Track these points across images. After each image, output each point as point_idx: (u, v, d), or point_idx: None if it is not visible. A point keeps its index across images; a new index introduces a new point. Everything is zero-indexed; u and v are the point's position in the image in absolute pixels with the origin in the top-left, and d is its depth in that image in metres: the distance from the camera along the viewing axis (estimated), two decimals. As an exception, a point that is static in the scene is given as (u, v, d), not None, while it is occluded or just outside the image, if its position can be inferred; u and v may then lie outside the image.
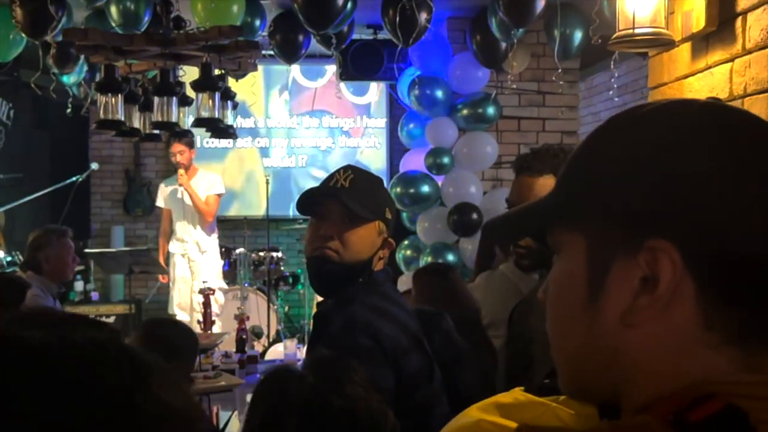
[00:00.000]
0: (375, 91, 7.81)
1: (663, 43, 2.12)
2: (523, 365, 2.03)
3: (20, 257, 5.27)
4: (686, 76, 2.17)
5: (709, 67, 2.05)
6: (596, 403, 0.65)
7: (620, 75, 4.93)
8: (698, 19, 2.01)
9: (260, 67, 4.90)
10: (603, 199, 0.61)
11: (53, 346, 0.50)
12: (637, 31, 2.04)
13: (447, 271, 3.34)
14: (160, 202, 6.11)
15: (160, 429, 0.51)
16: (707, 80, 2.04)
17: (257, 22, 4.32)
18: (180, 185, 5.79)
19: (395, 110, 7.78)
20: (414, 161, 5.09)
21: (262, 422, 1.14)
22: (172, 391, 0.53)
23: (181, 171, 5.72)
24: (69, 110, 5.17)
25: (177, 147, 5.63)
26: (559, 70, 3.52)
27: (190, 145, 5.76)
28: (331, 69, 7.57)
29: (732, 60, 1.96)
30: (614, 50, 2.32)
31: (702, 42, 2.08)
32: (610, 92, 5.05)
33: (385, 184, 2.03)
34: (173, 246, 5.97)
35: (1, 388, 0.48)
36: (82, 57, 4.69)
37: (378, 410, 1.17)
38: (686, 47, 2.16)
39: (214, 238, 6.05)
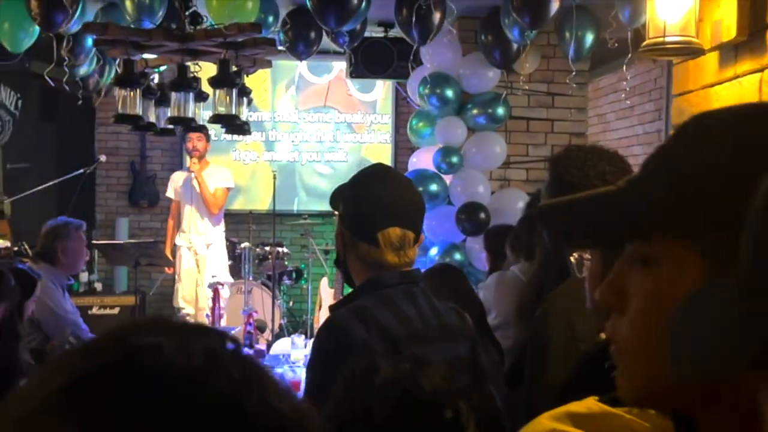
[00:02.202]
0: (381, 89, 7.83)
1: (692, 52, 2.14)
2: (541, 364, 2.05)
3: (26, 247, 5.27)
4: (712, 85, 2.19)
5: (738, 77, 2.06)
6: (669, 413, 0.66)
7: (629, 78, 4.95)
8: (728, 29, 2.02)
9: (270, 63, 4.91)
10: (727, 209, 0.56)
11: (169, 349, 0.51)
12: (667, 39, 2.06)
13: (451, 271, 3.38)
14: (170, 192, 6.10)
15: None
16: (735, 90, 2.06)
17: (270, 18, 4.33)
18: (191, 173, 5.80)
19: (401, 107, 7.81)
20: (422, 160, 5.11)
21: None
22: (283, 399, 0.53)
23: (194, 159, 5.73)
24: (80, 101, 5.19)
25: (196, 134, 5.62)
26: (573, 73, 3.54)
27: (208, 136, 5.77)
28: (338, 65, 7.59)
29: (762, 70, 1.97)
30: (644, 57, 2.34)
31: (731, 51, 2.10)
32: (622, 95, 5.06)
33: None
34: (179, 239, 5.98)
35: (121, 390, 0.49)
36: (93, 50, 4.71)
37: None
38: (713, 56, 2.18)
39: (221, 231, 6.06)
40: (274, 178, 6.54)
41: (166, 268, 6.23)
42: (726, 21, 2.04)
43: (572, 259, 1.65)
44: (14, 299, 3.09)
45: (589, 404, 0.73)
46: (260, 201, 7.69)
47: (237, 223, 7.17)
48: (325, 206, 7.43)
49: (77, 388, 0.49)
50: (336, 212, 1.96)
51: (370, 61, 5.13)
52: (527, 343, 2.25)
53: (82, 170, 5.96)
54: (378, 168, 2.09)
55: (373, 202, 1.83)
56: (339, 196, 1.94)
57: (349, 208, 1.88)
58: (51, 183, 5.86)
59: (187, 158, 6.08)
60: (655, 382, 0.63)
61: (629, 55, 3.83)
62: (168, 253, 6.00)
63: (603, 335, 1.82)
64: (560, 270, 2.34)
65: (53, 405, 0.49)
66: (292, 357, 4.12)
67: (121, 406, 0.48)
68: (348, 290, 1.96)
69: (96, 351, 0.52)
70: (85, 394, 0.49)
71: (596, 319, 1.77)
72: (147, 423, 0.48)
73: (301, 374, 3.63)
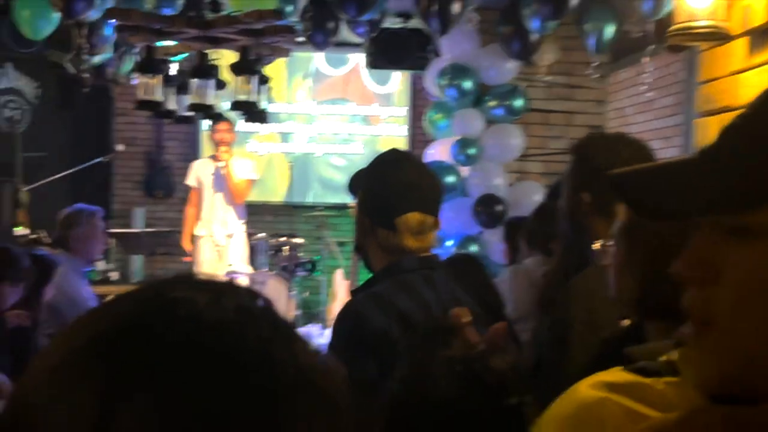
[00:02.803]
0: (397, 81, 7.81)
1: (721, 37, 2.12)
2: (561, 351, 2.05)
3: (43, 235, 5.30)
4: (742, 71, 2.16)
5: (768, 62, 2.04)
6: (751, 397, 0.62)
7: (648, 71, 4.91)
8: (758, 13, 2.00)
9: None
10: None
11: (202, 303, 0.50)
12: (696, 23, 2.04)
13: (471, 261, 3.36)
14: (191, 180, 6.09)
15: (304, 394, 0.50)
16: (765, 76, 2.03)
17: (290, 8, 4.32)
18: (221, 162, 5.79)
19: (417, 100, 7.78)
20: (440, 151, 5.10)
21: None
22: (312, 355, 0.53)
23: (224, 148, 5.72)
24: (86, 89, 5.18)
25: (224, 125, 5.61)
26: (596, 63, 3.51)
27: (233, 127, 5.77)
28: (355, 57, 7.58)
29: (793, 56, 1.94)
30: (672, 43, 2.31)
31: (760, 37, 2.07)
32: (641, 88, 5.02)
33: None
34: (199, 228, 5.98)
35: (150, 341, 0.48)
36: (112, 38, 4.72)
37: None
38: (742, 42, 2.16)
39: (242, 223, 6.08)
40: (290, 169, 6.54)
41: (183, 258, 6.24)
42: (755, 5, 2.01)
43: (596, 247, 1.63)
44: (29, 281, 3.10)
45: (619, 374, 0.72)
46: (275, 192, 7.69)
47: (252, 214, 7.16)
48: (340, 198, 7.50)
49: (105, 339, 0.49)
50: (354, 199, 1.95)
51: (389, 51, 5.11)
52: (549, 329, 2.24)
53: (99, 159, 5.98)
54: (395, 153, 2.09)
55: (392, 187, 1.82)
56: (357, 182, 1.94)
57: (367, 194, 1.87)
58: (68, 172, 5.89)
59: (205, 148, 6.09)
60: (759, 363, 0.60)
61: (651, 46, 3.80)
62: (186, 242, 6.01)
63: (624, 322, 1.81)
64: (580, 261, 2.33)
65: (79, 356, 0.49)
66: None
67: (148, 357, 0.48)
68: (363, 281, 1.96)
69: (127, 303, 0.52)
70: (112, 344, 0.48)
71: (616, 306, 1.77)
72: (175, 374, 0.47)
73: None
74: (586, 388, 0.71)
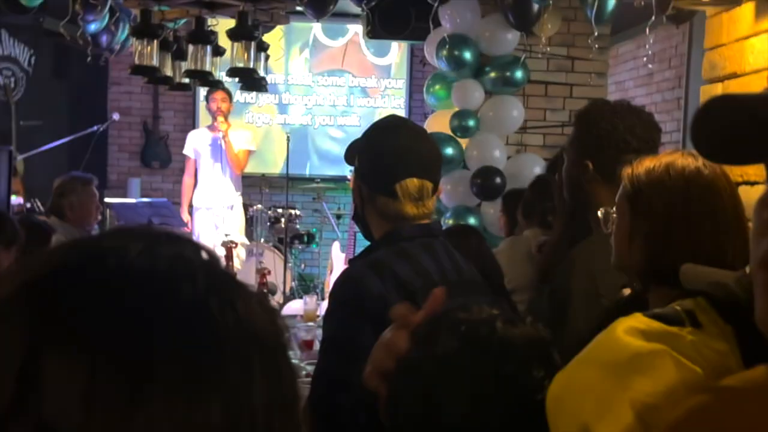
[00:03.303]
0: (396, 52, 7.76)
1: (729, 2, 2.08)
2: (560, 319, 2.04)
3: (38, 204, 5.28)
4: (747, 37, 2.13)
5: (774, 28, 2.00)
6: None
7: (649, 44, 4.87)
8: (767, -22, 1.97)
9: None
10: None
11: (134, 252, 0.50)
12: (704, -13, 2.00)
13: (470, 232, 3.35)
14: (188, 150, 6.06)
15: (240, 347, 0.49)
16: (772, 42, 2.01)
17: (288, -25, 4.27)
18: (219, 132, 5.76)
19: (415, 72, 7.74)
20: (438, 122, 5.05)
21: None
22: (257, 313, 0.52)
23: (221, 118, 5.69)
24: (89, 59, 5.13)
25: (220, 94, 5.57)
26: (596, 34, 3.47)
27: (231, 96, 5.73)
28: (353, 28, 7.51)
29: (801, 20, 1.90)
30: (680, 6, 2.28)
31: (767, 2, 2.03)
32: (641, 62, 4.99)
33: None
34: (197, 199, 5.96)
35: (75, 289, 0.47)
36: (108, 5, 4.65)
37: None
38: (749, 7, 2.13)
39: (240, 194, 6.07)
40: (288, 141, 6.51)
41: (181, 229, 6.21)
42: (764, -30, 1.98)
43: (599, 213, 1.62)
44: (21, 245, 3.07)
45: (644, 320, 0.71)
46: (273, 164, 7.66)
47: (249, 185, 7.14)
48: (338, 171, 7.48)
49: (31, 286, 0.48)
50: (350, 169, 1.93)
51: (388, 21, 5.05)
52: (548, 297, 2.24)
53: (95, 128, 5.93)
54: (392, 119, 2.06)
55: (390, 153, 1.79)
56: (354, 150, 1.91)
57: (365, 161, 1.85)
58: (64, 140, 5.84)
59: (202, 119, 6.05)
60: None
61: (652, 18, 3.76)
62: (184, 213, 5.99)
63: (626, 291, 1.80)
64: (582, 230, 2.32)
65: (4, 304, 0.47)
66: (304, 317, 4.11)
67: (73, 306, 0.46)
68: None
69: (57, 254, 0.51)
70: (38, 292, 0.47)
71: (618, 275, 1.75)
72: (100, 322, 0.46)
73: (316, 334, 3.62)
74: (625, 335, 0.70)
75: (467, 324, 0.98)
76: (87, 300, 0.47)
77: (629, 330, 0.71)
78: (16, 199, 5.34)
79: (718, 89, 2.22)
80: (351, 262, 1.87)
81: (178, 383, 0.46)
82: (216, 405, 0.46)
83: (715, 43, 2.29)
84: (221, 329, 0.48)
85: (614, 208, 1.57)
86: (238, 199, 6.05)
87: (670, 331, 0.69)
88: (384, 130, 1.86)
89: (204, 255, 0.53)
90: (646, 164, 1.43)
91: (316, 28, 7.61)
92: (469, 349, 0.94)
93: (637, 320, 0.72)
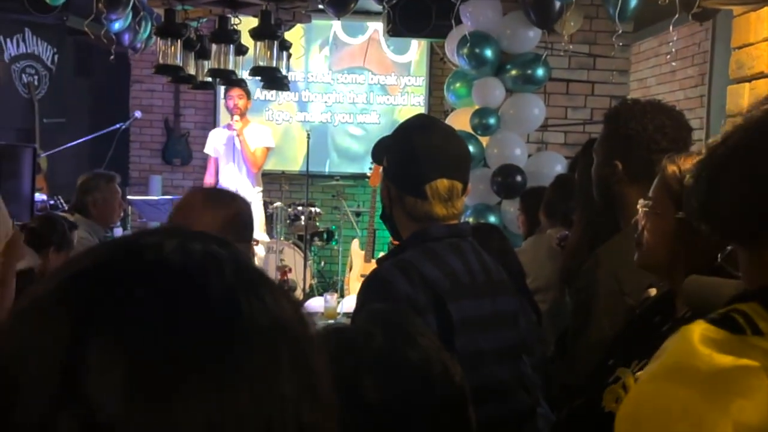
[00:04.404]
0: (416, 50, 7.75)
1: (757, 0, 2.06)
2: (587, 318, 2.03)
3: (62, 201, 5.32)
4: (777, 36, 2.11)
5: (804, 28, 1.98)
6: None
7: (671, 41, 4.83)
8: (797, -23, 1.94)
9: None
10: None
11: (168, 248, 0.52)
12: (733, -15, 1.98)
13: (492, 231, 3.33)
14: (209, 149, 6.10)
15: (268, 338, 0.51)
16: (802, 41, 1.98)
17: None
18: (234, 131, 5.79)
19: (435, 70, 7.73)
20: (458, 121, 5.05)
21: (336, 386, 1.05)
22: (284, 306, 0.54)
23: (236, 117, 5.72)
24: (112, 57, 5.17)
25: (236, 91, 5.59)
26: (620, 31, 3.45)
27: (248, 93, 5.75)
28: (373, 26, 7.52)
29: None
30: (707, 6, 2.26)
31: (796, 1, 2.01)
32: (663, 59, 4.95)
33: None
34: (217, 197, 5.99)
35: (114, 284, 0.50)
36: (131, 3, 4.68)
37: (449, 360, 1.14)
38: (777, 6, 2.11)
39: (258, 190, 6.08)
40: (308, 138, 6.52)
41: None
42: (794, -32, 1.95)
43: (639, 209, 1.59)
44: (69, 247, 3.12)
45: (709, 327, 0.69)
46: (292, 161, 7.68)
47: (269, 183, 7.17)
48: (357, 168, 7.49)
49: (71, 283, 0.50)
50: (370, 167, 1.93)
51: (409, 19, 5.05)
52: (573, 296, 2.23)
53: (118, 125, 5.98)
54: (422, 119, 2.05)
55: (419, 154, 1.78)
56: (382, 150, 1.90)
57: (394, 162, 1.84)
58: (86, 138, 5.89)
59: (223, 116, 6.08)
60: None
61: (676, 15, 3.73)
62: None
63: (652, 290, 1.79)
64: (607, 229, 2.30)
65: (45, 301, 0.50)
66: (325, 314, 4.13)
67: (112, 300, 0.49)
68: (379, 252, 1.94)
69: (99, 250, 0.54)
70: (78, 288, 0.50)
71: (644, 274, 1.74)
72: (139, 316, 0.48)
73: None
74: (705, 347, 0.68)
75: None
76: (124, 296, 0.49)
77: (706, 341, 0.68)
78: (40, 196, 5.40)
79: (745, 89, 2.20)
80: (379, 262, 1.87)
81: (210, 372, 0.48)
82: (246, 394, 0.48)
83: (743, 42, 2.27)
84: (250, 321, 0.51)
85: (643, 206, 1.56)
86: (256, 196, 6.07)
87: (743, 341, 0.68)
88: (413, 130, 1.84)
89: (230, 250, 0.55)
90: (692, 163, 1.41)
91: (336, 26, 7.62)
92: None
93: (704, 328, 0.70)
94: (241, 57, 3.55)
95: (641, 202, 1.56)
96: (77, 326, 0.47)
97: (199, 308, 0.49)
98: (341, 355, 1.05)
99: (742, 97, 2.19)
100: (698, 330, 0.70)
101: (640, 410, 0.74)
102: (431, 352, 1.10)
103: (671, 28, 3.55)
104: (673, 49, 4.51)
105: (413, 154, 1.78)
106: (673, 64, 4.90)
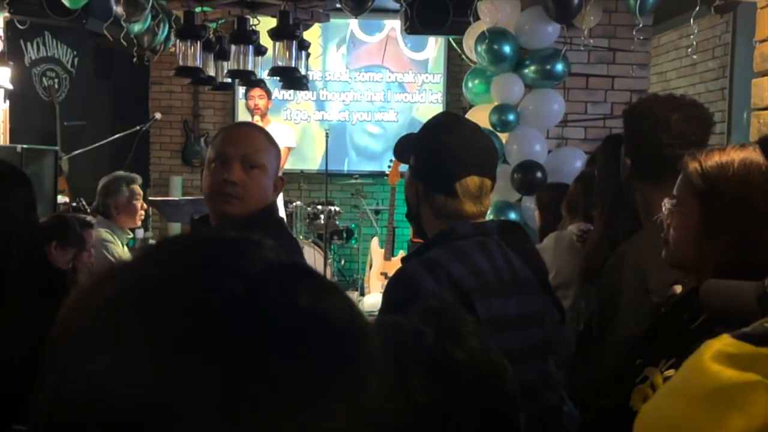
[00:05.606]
0: (433, 47, 7.73)
1: (783, -7, 2.04)
2: (611, 316, 2.02)
3: (84, 203, 5.37)
4: (802, 29, 2.08)
5: (830, 20, 1.95)
6: None
7: (691, 34, 4.79)
8: (823, -32, 1.91)
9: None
10: None
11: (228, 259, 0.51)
12: (757, -22, 1.96)
13: (514, 228, 3.32)
14: None
15: (319, 336, 0.50)
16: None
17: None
18: None
19: (453, 67, 7.70)
20: (477, 118, 5.03)
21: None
22: (332, 299, 0.52)
23: (256, 117, 5.74)
24: (135, 59, 5.21)
25: (257, 91, 5.60)
26: (640, 25, 3.42)
27: (269, 93, 5.75)
28: (390, 24, 7.51)
29: None
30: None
31: (822, -7, 1.98)
32: (683, 52, 4.91)
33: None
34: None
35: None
36: (149, 6, 4.71)
37: (498, 362, 1.13)
38: (803, -2, 2.08)
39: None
40: (327, 137, 6.53)
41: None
42: (820, -41, 1.93)
43: (664, 207, 1.57)
44: (81, 246, 3.15)
45: (732, 342, 0.68)
46: (311, 160, 7.70)
47: (288, 182, 7.17)
48: (376, 166, 7.49)
49: (161, 284, 0.49)
50: (389, 165, 1.93)
51: (426, 16, 5.03)
52: (597, 292, 2.22)
53: (138, 127, 6.01)
54: (448, 117, 2.04)
55: (449, 151, 1.77)
56: (408, 148, 1.89)
57: (422, 160, 1.83)
58: (107, 140, 5.93)
59: (242, 117, 6.09)
60: None
61: (696, 8, 3.70)
62: None
63: (677, 287, 1.77)
64: (627, 226, 2.29)
65: (137, 298, 0.49)
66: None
67: (200, 315, 0.48)
68: (398, 250, 1.93)
69: (186, 252, 0.53)
70: (169, 290, 0.49)
71: (668, 271, 1.73)
72: (231, 328, 0.47)
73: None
74: (712, 363, 0.67)
75: None
76: (218, 307, 0.48)
77: (718, 356, 0.68)
78: (62, 198, 5.45)
79: (771, 82, 2.18)
80: (404, 260, 1.86)
81: (302, 385, 0.47)
82: (341, 408, 0.48)
83: (767, 35, 2.25)
84: (333, 333, 0.50)
85: (669, 204, 1.54)
86: (277, 196, 6.08)
87: (762, 354, 0.67)
88: (441, 128, 1.83)
89: (282, 255, 0.54)
90: (716, 159, 1.39)
91: (353, 24, 7.62)
92: None
93: (725, 342, 0.69)
94: (260, 57, 3.56)
95: (666, 200, 1.54)
96: (171, 330, 0.47)
97: (287, 323, 0.49)
98: (390, 352, 1.04)
99: (767, 91, 2.16)
100: (716, 346, 0.69)
101: (647, 423, 0.76)
102: (481, 354, 1.09)
103: (692, 20, 3.52)
104: (694, 42, 4.47)
105: (442, 152, 1.77)
106: (694, 57, 4.85)
